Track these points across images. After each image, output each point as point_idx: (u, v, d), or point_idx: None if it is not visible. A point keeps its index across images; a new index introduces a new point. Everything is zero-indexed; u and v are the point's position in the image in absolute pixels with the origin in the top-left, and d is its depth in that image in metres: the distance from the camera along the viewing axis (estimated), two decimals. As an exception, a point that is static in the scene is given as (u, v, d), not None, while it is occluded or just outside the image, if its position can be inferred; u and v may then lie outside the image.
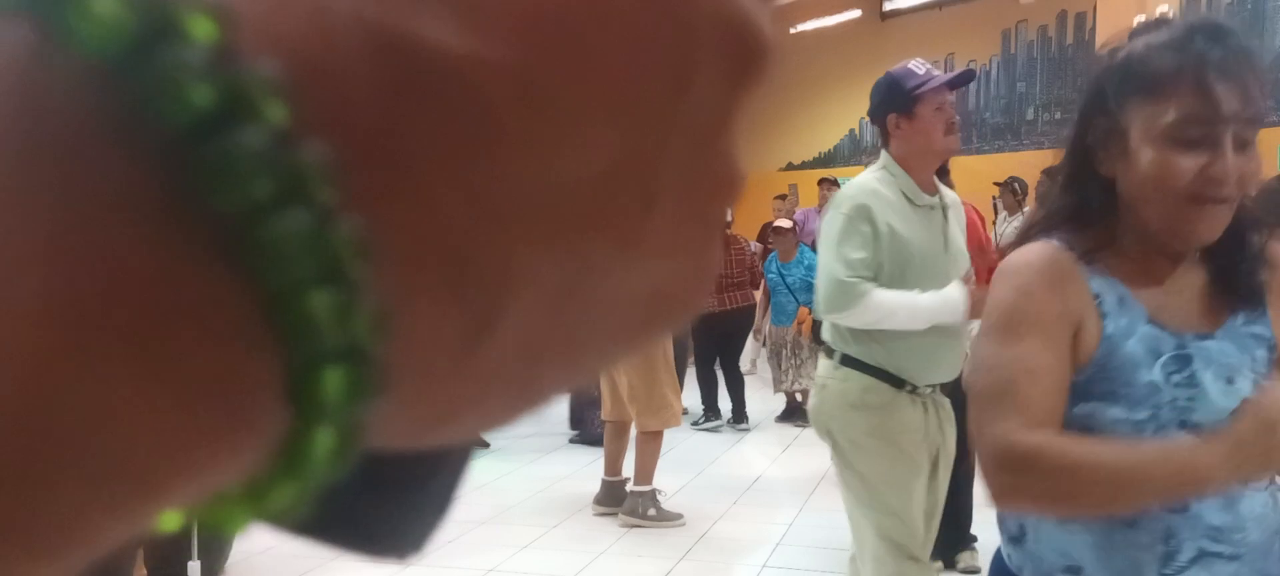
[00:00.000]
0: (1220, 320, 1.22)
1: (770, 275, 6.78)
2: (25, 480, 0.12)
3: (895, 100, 2.68)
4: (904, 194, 2.62)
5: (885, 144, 2.72)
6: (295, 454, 0.15)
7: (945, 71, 2.77)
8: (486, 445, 6.03)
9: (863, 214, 2.55)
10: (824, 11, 12.82)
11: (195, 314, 0.13)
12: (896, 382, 2.57)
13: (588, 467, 5.50)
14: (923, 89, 2.64)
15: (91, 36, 0.13)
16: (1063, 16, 11.81)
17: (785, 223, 6.94)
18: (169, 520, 0.15)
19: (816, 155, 13.81)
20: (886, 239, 2.54)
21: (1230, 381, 1.19)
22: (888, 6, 12.94)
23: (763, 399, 7.25)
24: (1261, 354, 1.22)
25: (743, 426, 6.94)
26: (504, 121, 0.15)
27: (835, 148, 13.73)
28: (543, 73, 0.15)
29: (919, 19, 12.75)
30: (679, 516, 4.74)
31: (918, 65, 2.72)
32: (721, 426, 6.87)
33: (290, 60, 0.14)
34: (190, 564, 3.24)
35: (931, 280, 2.56)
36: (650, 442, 4.66)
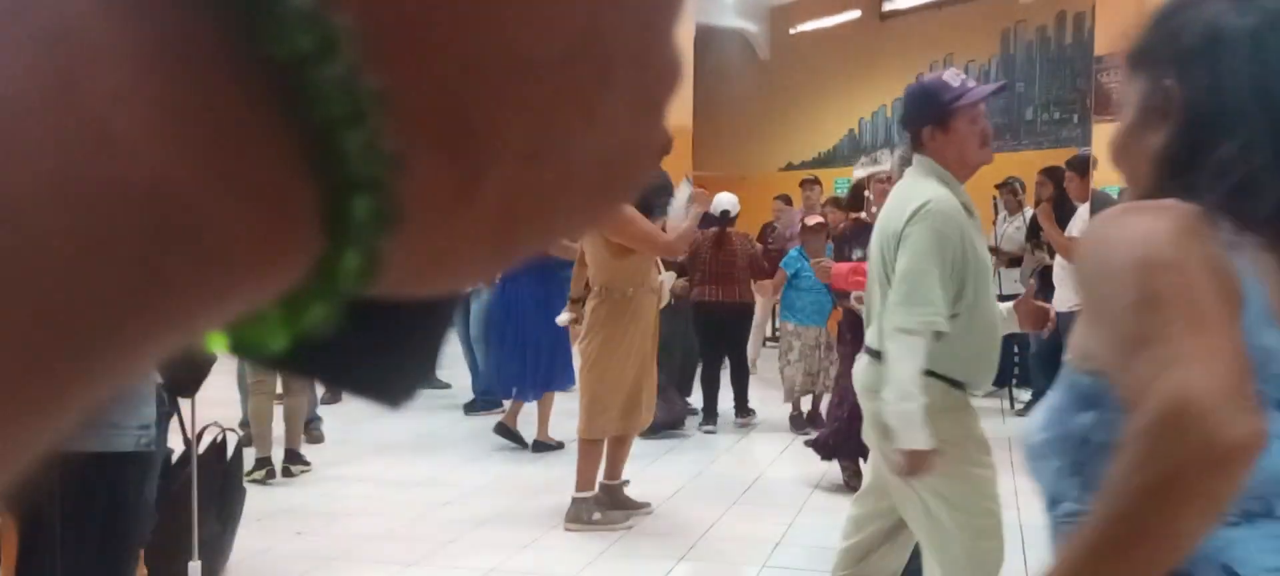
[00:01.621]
0: None
1: (804, 272, 6.59)
2: (155, 256, 0.16)
3: (930, 111, 2.64)
4: (964, 205, 2.59)
5: (920, 152, 2.67)
6: (327, 273, 0.18)
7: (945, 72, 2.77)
8: (561, 445, 6.03)
9: (955, 229, 2.50)
10: (824, 11, 12.83)
11: (257, 140, 0.17)
12: (960, 386, 2.58)
13: (588, 468, 5.50)
14: (960, 102, 2.61)
15: None
16: (1062, 16, 11.81)
17: (816, 220, 6.72)
18: (217, 341, 0.19)
19: (816, 155, 13.81)
20: (971, 257, 2.52)
21: None
22: (887, 7, 12.94)
23: (762, 400, 7.24)
24: None
25: (743, 421, 6.91)
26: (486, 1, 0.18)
27: (835, 148, 13.73)
28: None
29: (918, 19, 12.75)
30: (645, 505, 4.81)
31: (952, 76, 2.69)
32: (715, 431, 6.82)
33: None
34: (190, 564, 3.24)
35: (987, 291, 2.58)
36: (591, 449, 4.64)
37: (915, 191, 2.58)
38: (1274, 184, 1.08)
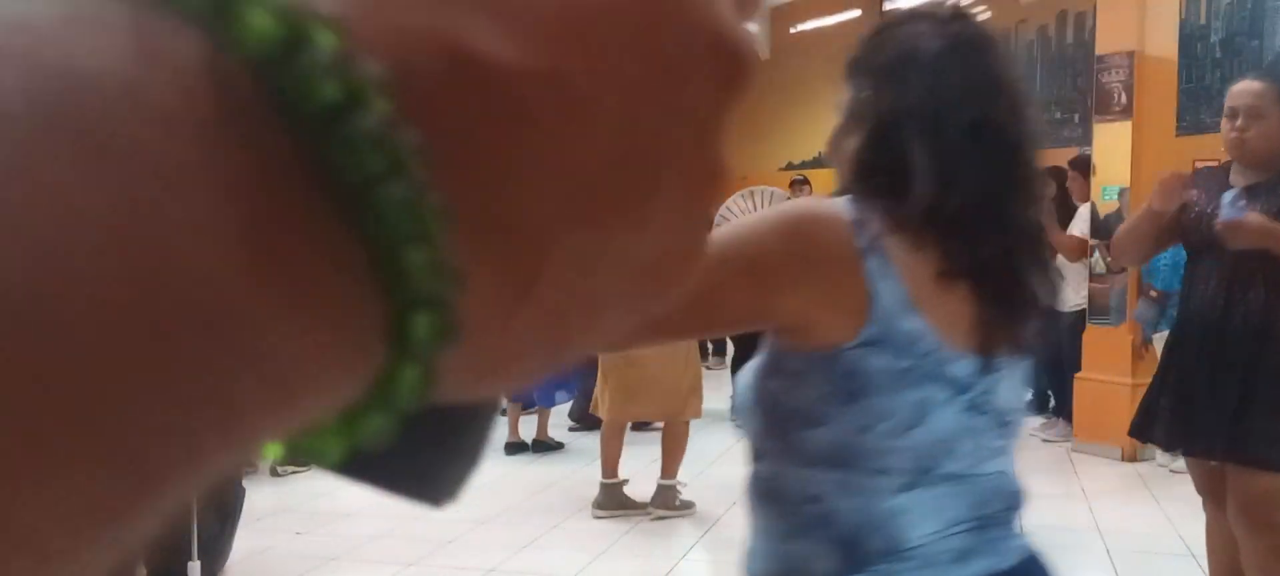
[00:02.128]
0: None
1: None
2: (225, 381, 0.16)
3: None
4: None
5: None
6: (387, 387, 0.18)
7: None
8: (561, 446, 6.08)
9: None
10: (824, 11, 12.82)
11: (326, 262, 0.17)
12: None
13: (587, 468, 5.50)
14: None
15: (249, 43, 0.16)
16: (1063, 16, 11.80)
17: None
18: (272, 450, 0.19)
19: (816, 155, 13.79)
20: None
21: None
22: (887, 6, 12.94)
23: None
24: None
25: None
26: (541, 116, 0.19)
27: (835, 147, 13.71)
28: (570, 76, 0.19)
29: (919, 19, 12.73)
30: (644, 505, 4.89)
31: None
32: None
33: (388, 63, 0.17)
34: (190, 564, 3.24)
35: None
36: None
37: None
38: (925, 194, 1.23)
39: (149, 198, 0.15)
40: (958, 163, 1.25)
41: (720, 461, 6.08)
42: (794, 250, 1.23)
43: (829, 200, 1.31)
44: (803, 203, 1.44)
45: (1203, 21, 9.42)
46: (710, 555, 4.35)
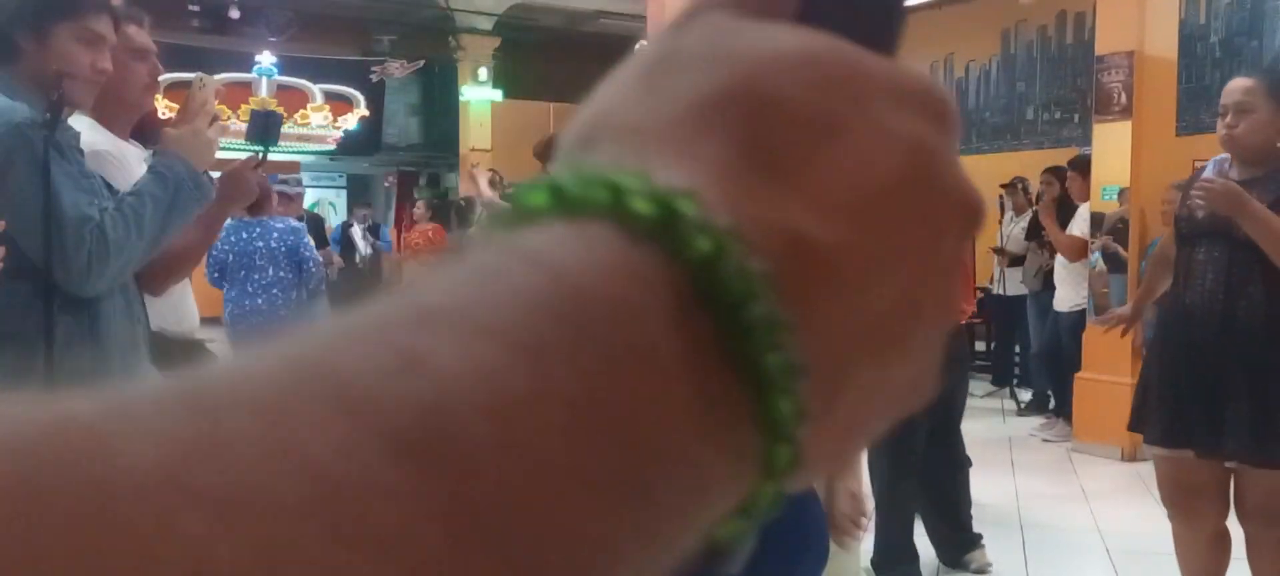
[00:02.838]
0: None
1: None
2: (674, 492, 0.21)
3: None
4: None
5: None
6: (752, 501, 0.24)
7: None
8: None
9: None
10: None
11: (729, 411, 0.22)
12: None
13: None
14: None
15: (693, 258, 0.22)
16: (1063, 16, 11.81)
17: None
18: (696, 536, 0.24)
19: (817, 155, 13.76)
20: None
21: None
22: (888, 6, 12.95)
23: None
24: None
25: None
26: (848, 277, 0.24)
27: (835, 148, 13.68)
28: (866, 246, 0.24)
29: (918, 19, 12.74)
30: None
31: None
32: None
33: (763, 256, 0.23)
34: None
35: None
36: None
37: None
38: None
39: (641, 374, 0.21)
40: None
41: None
42: None
43: None
44: None
45: (1203, 21, 9.42)
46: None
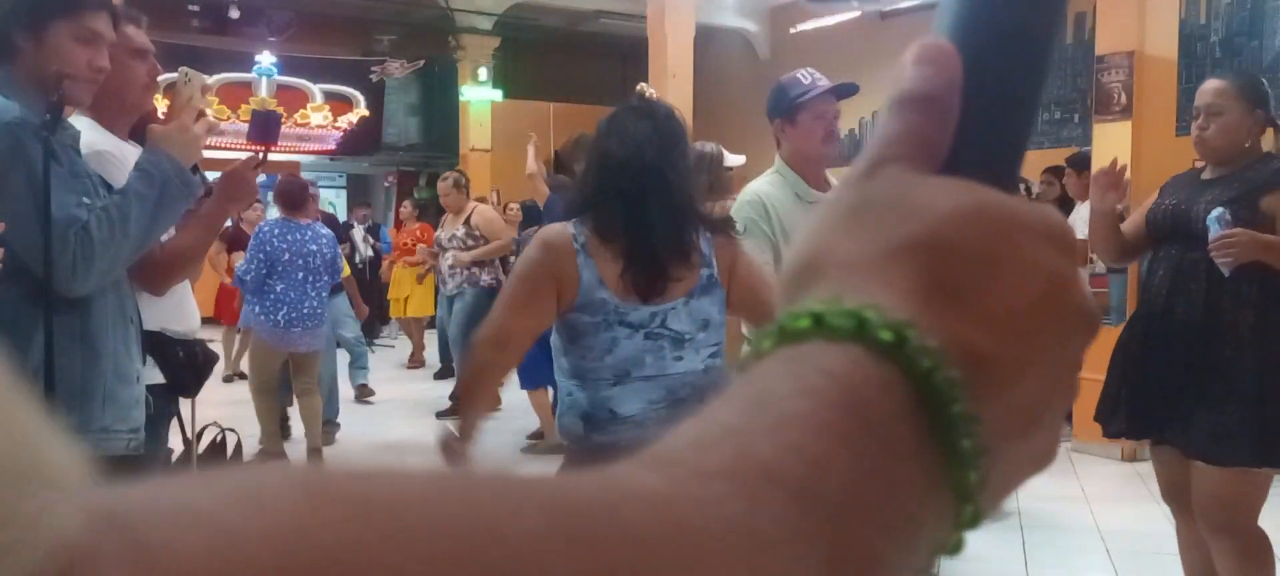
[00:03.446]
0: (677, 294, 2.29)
1: None
2: (906, 538, 0.30)
3: (779, 107, 3.07)
4: (795, 193, 2.98)
5: (778, 146, 3.10)
6: (939, 546, 0.32)
7: None
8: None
9: (759, 212, 2.97)
10: (824, 12, 12.81)
11: (933, 476, 0.31)
12: None
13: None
14: (804, 98, 2.96)
15: (916, 369, 0.31)
16: (1063, 16, 11.80)
17: None
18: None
19: (817, 155, 13.78)
20: (779, 234, 2.92)
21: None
22: (888, 6, 12.93)
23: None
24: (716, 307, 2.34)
25: None
26: (1005, 377, 0.32)
27: (835, 148, 13.70)
28: (1020, 352, 0.33)
29: (919, 18, 12.72)
30: None
31: (804, 74, 2.91)
32: None
33: (953, 364, 0.31)
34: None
35: None
36: None
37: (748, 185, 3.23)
38: (603, 218, 2.29)
39: (898, 455, 0.30)
40: (600, 197, 2.30)
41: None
42: (546, 257, 2.29)
43: (561, 224, 2.36)
44: (547, 227, 2.44)
45: (1203, 21, 9.42)
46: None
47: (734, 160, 4.82)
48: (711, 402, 0.31)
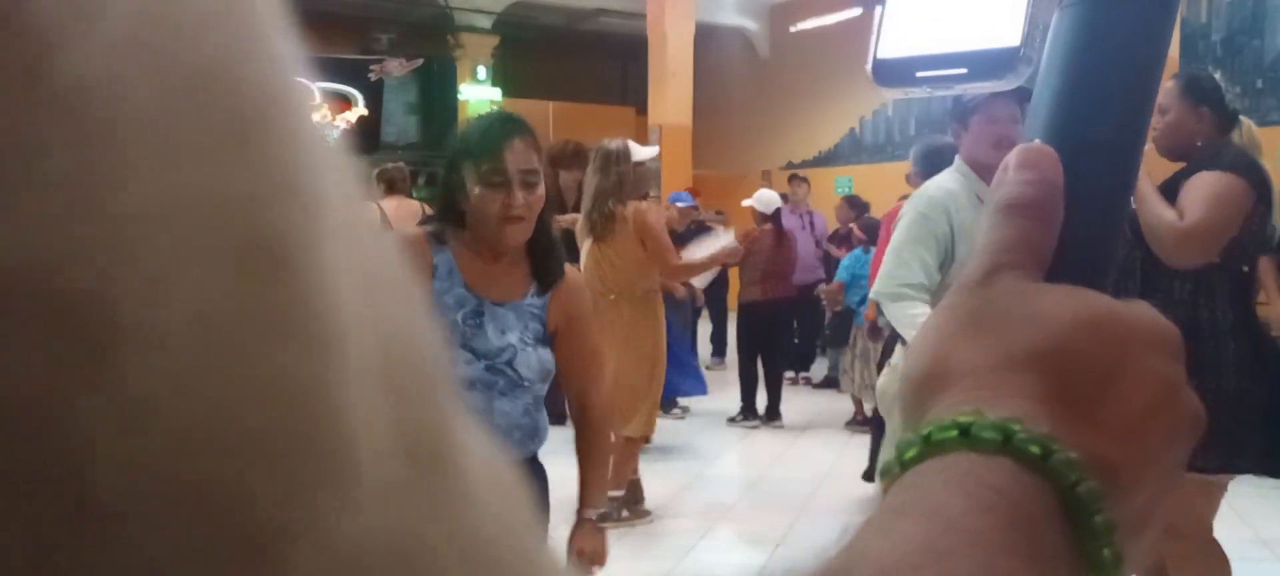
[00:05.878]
0: (515, 295, 2.11)
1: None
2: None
3: (955, 110, 3.13)
4: (975, 193, 2.93)
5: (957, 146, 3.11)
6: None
7: None
8: None
9: (940, 211, 2.92)
10: (824, 10, 12.81)
11: (1068, 559, 0.33)
12: None
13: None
14: (975, 101, 2.97)
15: (1062, 481, 0.33)
16: (1063, 15, 11.80)
17: None
18: None
19: (817, 154, 13.79)
20: (960, 234, 2.88)
21: (503, 332, 2.08)
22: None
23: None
24: (535, 325, 2.12)
25: (777, 424, 6.85)
26: (1128, 481, 0.35)
27: (836, 146, 13.71)
28: (1139, 459, 0.35)
29: (919, 18, 12.67)
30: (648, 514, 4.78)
31: None
32: (758, 426, 6.85)
33: (1089, 476, 0.34)
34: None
35: None
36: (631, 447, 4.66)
37: (926, 184, 3.12)
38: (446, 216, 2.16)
39: (1053, 562, 0.33)
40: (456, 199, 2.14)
41: (720, 461, 6.08)
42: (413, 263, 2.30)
43: (417, 230, 2.31)
44: (407, 231, 2.50)
45: (1203, 20, 9.41)
46: (710, 556, 4.34)
47: (644, 153, 4.62)
48: (883, 514, 0.33)
